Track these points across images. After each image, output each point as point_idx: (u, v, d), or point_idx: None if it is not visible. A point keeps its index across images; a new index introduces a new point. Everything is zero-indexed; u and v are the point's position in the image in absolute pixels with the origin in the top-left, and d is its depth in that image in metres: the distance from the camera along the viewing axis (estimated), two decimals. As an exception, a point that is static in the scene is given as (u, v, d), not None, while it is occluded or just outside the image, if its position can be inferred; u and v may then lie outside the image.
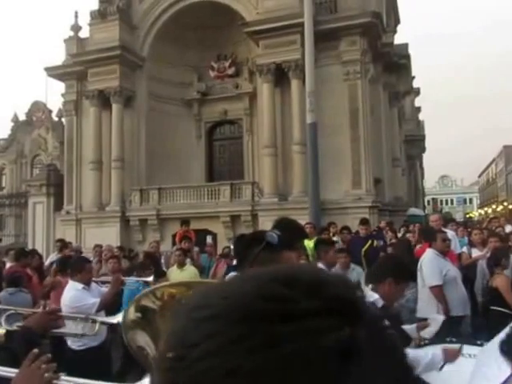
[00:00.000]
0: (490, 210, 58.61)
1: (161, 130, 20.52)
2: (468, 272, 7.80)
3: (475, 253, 7.82)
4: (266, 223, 16.43)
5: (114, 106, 19.89)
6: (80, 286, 4.85)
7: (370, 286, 2.96)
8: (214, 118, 21.94)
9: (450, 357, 2.86)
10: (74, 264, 5.23)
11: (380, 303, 2.87)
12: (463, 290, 5.71)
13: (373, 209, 16.58)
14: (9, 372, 1.79)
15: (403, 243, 8.39)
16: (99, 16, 20.45)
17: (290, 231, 2.46)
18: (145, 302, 1.15)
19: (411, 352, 2.71)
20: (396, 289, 2.91)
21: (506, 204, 52.47)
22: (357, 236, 8.95)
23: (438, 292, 5.32)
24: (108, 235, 17.16)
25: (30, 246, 19.13)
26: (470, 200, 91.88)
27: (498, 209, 53.54)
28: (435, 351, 2.82)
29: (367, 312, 0.44)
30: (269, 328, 0.39)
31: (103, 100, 20.09)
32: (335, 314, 0.42)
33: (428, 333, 3.25)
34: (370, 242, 8.09)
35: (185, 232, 10.63)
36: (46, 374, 1.66)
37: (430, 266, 5.44)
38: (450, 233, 8.03)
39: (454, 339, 3.42)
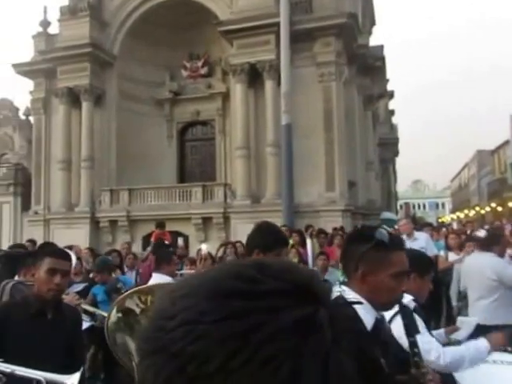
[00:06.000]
0: (462, 215, 57.23)
1: (131, 129, 20.07)
2: (445, 276, 7.79)
3: (452, 257, 7.79)
4: (238, 226, 16.22)
5: (84, 105, 19.40)
6: (168, 278, 4.55)
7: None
8: (185, 119, 21.58)
9: (496, 344, 2.75)
10: (161, 255, 5.10)
11: (412, 305, 2.78)
12: None
13: (346, 212, 16.49)
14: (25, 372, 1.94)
15: None
16: (69, 12, 19.94)
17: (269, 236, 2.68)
18: (128, 303, 1.15)
19: (451, 349, 2.66)
20: (422, 283, 2.93)
21: (478, 209, 51.96)
22: None
23: None
24: (77, 236, 16.58)
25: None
26: (443, 204, 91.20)
27: (470, 214, 53.84)
28: (477, 343, 2.72)
29: (329, 300, 0.50)
30: (235, 303, 0.46)
31: (73, 98, 19.59)
32: (298, 295, 0.47)
33: (460, 335, 3.17)
34: None
35: (160, 234, 10.71)
36: None
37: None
38: (424, 235, 7.96)
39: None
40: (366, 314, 1.64)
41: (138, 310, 1.14)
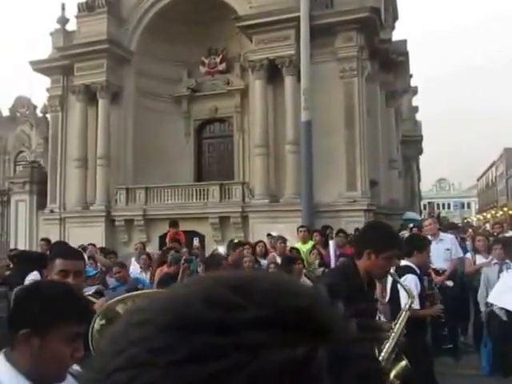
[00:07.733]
0: (489, 216, 55.80)
1: (148, 127, 19.82)
2: (472, 280, 7.42)
3: (479, 260, 7.44)
4: (256, 225, 15.84)
5: (101, 102, 19.20)
6: None
7: None
8: (203, 116, 21.25)
9: None
10: (209, 262, 5.35)
11: None
12: None
13: (368, 212, 15.93)
14: None
15: None
16: (87, 8, 19.79)
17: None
18: (118, 308, 1.11)
19: None
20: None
21: (506, 209, 49.95)
22: None
23: None
24: (93, 235, 16.34)
25: (12, 245, 18.61)
26: (468, 204, 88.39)
27: (498, 214, 52.01)
28: None
29: (335, 332, 0.36)
30: (200, 338, 0.33)
31: (89, 95, 19.43)
32: (290, 327, 0.34)
33: None
34: None
35: (174, 234, 10.59)
36: None
37: None
38: (449, 237, 7.61)
39: None
40: None
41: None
